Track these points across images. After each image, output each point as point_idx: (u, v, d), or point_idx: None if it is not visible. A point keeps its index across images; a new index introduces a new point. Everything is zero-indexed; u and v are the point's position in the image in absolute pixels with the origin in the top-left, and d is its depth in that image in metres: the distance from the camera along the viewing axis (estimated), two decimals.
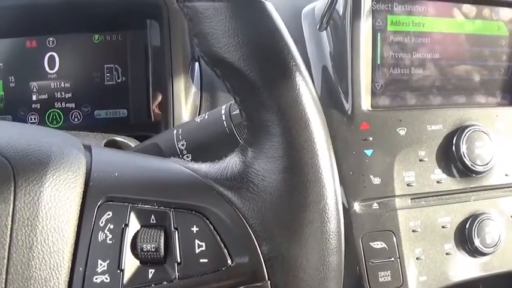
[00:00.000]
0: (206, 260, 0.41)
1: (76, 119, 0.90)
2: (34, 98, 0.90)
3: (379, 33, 0.79)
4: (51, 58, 0.89)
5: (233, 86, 0.43)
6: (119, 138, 0.74)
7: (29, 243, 0.37)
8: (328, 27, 0.81)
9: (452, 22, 0.84)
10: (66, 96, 0.90)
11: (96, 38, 0.90)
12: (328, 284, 0.42)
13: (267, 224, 0.41)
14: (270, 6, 0.42)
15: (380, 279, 0.73)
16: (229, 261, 0.41)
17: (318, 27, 0.80)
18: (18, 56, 0.90)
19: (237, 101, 0.43)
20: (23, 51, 0.89)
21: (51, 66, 0.90)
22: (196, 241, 0.41)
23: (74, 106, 0.90)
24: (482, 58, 0.86)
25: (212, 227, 0.41)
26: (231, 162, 0.44)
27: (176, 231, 0.41)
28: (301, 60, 0.42)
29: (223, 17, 0.41)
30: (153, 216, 0.41)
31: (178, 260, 0.40)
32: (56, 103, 0.90)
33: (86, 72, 0.91)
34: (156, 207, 0.41)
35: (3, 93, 0.89)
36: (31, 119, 0.90)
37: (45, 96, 0.90)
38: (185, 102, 0.87)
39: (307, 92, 0.42)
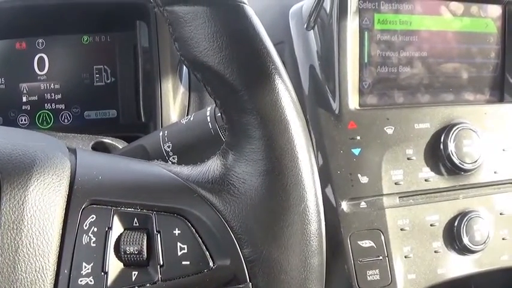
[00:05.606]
0: (188, 263, 0.41)
1: (66, 120, 0.90)
2: (24, 99, 0.90)
3: (366, 32, 0.79)
4: (41, 59, 0.89)
5: (214, 90, 0.43)
6: (107, 140, 0.74)
7: (14, 246, 0.37)
8: (316, 27, 0.81)
9: (440, 20, 0.84)
10: (56, 98, 0.90)
11: (85, 39, 0.90)
12: (310, 285, 0.42)
13: (248, 227, 0.41)
14: (249, 10, 0.43)
15: (368, 278, 0.73)
16: (211, 264, 0.41)
17: (305, 26, 0.80)
18: (8, 58, 0.90)
19: (218, 104, 0.44)
20: (13, 52, 0.89)
21: (41, 68, 0.89)
22: (178, 244, 0.41)
23: (63, 107, 0.90)
24: (470, 56, 0.86)
25: (194, 230, 0.41)
26: (213, 165, 0.44)
27: (158, 234, 0.41)
28: (280, 63, 0.43)
29: (203, 21, 0.41)
30: (136, 219, 0.41)
31: (161, 263, 0.41)
32: (46, 104, 0.90)
33: (75, 74, 0.91)
34: (139, 210, 0.42)
35: None
36: (21, 120, 0.90)
37: (35, 98, 0.90)
38: (173, 102, 0.87)
39: (286, 95, 0.42)
